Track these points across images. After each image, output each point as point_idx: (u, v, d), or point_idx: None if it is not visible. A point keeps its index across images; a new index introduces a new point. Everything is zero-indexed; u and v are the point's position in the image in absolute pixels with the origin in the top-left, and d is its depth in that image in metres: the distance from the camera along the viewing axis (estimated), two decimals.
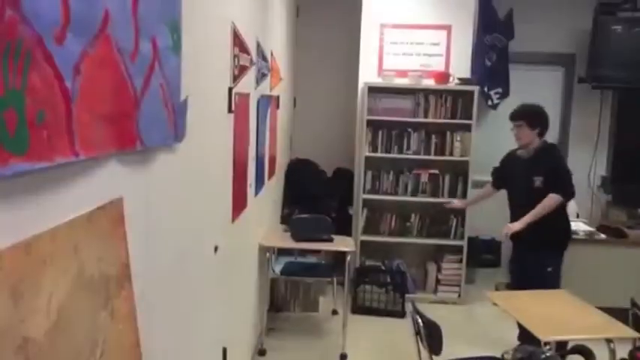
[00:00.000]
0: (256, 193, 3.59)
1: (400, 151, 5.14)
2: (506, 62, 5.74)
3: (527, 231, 3.64)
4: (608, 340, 2.79)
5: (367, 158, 5.14)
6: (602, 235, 4.69)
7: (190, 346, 2.12)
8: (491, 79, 5.66)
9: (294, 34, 5.73)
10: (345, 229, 5.11)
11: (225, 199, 2.70)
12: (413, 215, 5.27)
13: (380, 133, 5.15)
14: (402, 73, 5.17)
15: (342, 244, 4.20)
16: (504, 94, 5.77)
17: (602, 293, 4.15)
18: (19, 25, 0.86)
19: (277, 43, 4.44)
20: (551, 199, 3.60)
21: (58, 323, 1.04)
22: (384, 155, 5.15)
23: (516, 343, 3.63)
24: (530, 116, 3.76)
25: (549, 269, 3.63)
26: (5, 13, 0.82)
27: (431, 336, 2.78)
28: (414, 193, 5.20)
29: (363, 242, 5.16)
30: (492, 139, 5.97)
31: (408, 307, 4.28)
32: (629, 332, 2.82)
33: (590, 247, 4.60)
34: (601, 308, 3.05)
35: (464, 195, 5.08)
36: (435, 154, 5.13)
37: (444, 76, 5.09)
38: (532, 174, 3.68)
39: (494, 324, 4.29)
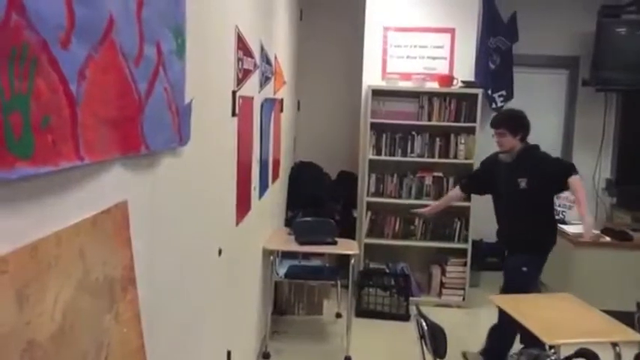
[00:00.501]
0: (260, 196, 3.59)
1: (404, 154, 5.14)
2: (510, 65, 5.74)
3: (515, 233, 3.68)
4: (614, 344, 2.78)
5: (371, 161, 5.14)
6: (607, 238, 4.67)
7: (194, 349, 2.12)
8: (495, 81, 5.65)
9: (298, 38, 5.74)
10: (349, 232, 5.11)
11: (230, 202, 2.70)
12: (417, 218, 5.26)
13: (384, 136, 5.15)
14: (406, 76, 5.17)
15: (346, 247, 4.20)
16: (508, 97, 5.77)
17: (607, 296, 4.14)
18: (24, 30, 0.87)
19: (281, 47, 4.45)
20: (577, 182, 3.55)
21: (63, 327, 1.04)
22: (387, 158, 5.15)
23: (520, 346, 3.62)
24: (512, 124, 3.70)
25: (524, 269, 3.61)
26: (11, 18, 0.83)
27: (435, 339, 2.77)
28: (418, 196, 5.19)
29: (367, 245, 5.16)
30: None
31: (412, 310, 4.28)
32: (634, 336, 2.81)
33: (594, 250, 4.59)
34: (606, 311, 3.04)
35: (468, 198, 5.06)
36: (439, 157, 5.13)
37: (447, 79, 5.09)
38: (516, 176, 3.64)
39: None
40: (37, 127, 0.92)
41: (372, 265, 5.22)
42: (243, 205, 2.97)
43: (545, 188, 3.64)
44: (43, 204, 1.00)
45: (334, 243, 4.20)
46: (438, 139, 5.14)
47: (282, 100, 4.54)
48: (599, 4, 5.51)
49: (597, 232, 4.77)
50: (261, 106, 3.46)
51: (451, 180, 5.16)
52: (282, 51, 4.49)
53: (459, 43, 5.19)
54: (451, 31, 5.19)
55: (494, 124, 3.75)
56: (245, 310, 3.37)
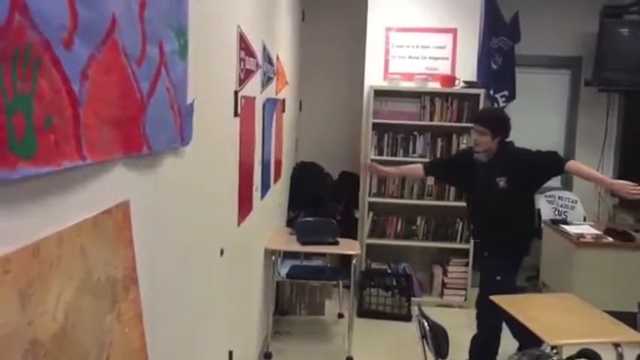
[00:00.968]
0: (262, 196, 3.59)
1: (406, 154, 5.14)
2: (512, 65, 5.72)
3: (494, 234, 3.56)
4: (616, 345, 2.78)
5: (373, 161, 5.14)
6: (609, 239, 4.66)
7: (196, 349, 2.13)
8: (497, 82, 5.64)
9: (300, 38, 5.74)
10: (351, 232, 5.11)
11: (231, 202, 2.70)
12: (419, 218, 5.26)
13: (386, 136, 5.16)
14: (408, 77, 5.17)
15: (348, 247, 4.20)
16: (510, 98, 5.75)
17: (609, 297, 4.13)
18: (27, 30, 0.87)
19: (283, 47, 4.45)
20: (575, 164, 3.52)
21: (65, 326, 1.04)
22: (389, 158, 5.15)
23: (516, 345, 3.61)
24: (497, 125, 3.51)
25: (498, 278, 3.49)
26: (14, 18, 0.83)
27: (437, 339, 2.77)
28: (420, 197, 5.19)
29: (368, 245, 5.16)
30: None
31: (414, 310, 4.27)
32: (636, 336, 2.80)
33: (596, 251, 4.58)
34: (608, 312, 3.03)
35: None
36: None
37: (449, 80, 5.09)
38: (495, 175, 3.46)
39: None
40: (40, 127, 0.92)
41: (373, 266, 5.22)
42: (245, 206, 2.97)
43: (526, 185, 3.50)
44: (46, 204, 1.01)
45: (336, 243, 4.20)
46: (439, 140, 5.14)
47: (284, 100, 4.54)
48: (601, 5, 5.50)
49: (599, 232, 4.77)
50: (263, 106, 3.47)
51: None
52: (284, 51, 4.49)
53: (461, 43, 5.19)
54: (453, 32, 5.19)
55: (478, 121, 3.58)
56: (247, 311, 3.37)
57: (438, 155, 5.13)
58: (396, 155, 5.15)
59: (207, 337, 2.31)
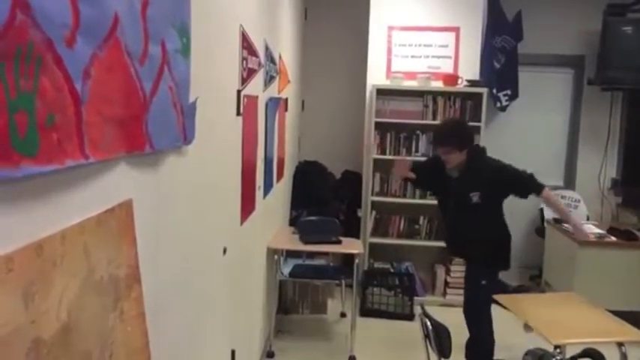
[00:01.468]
0: (265, 195, 3.59)
1: (409, 153, 5.13)
2: (515, 64, 5.72)
3: (468, 246, 3.50)
4: (619, 344, 2.77)
5: (375, 160, 5.14)
6: (613, 238, 4.65)
7: (199, 348, 2.13)
8: (500, 81, 5.64)
9: (302, 37, 5.74)
10: (354, 231, 5.11)
11: (234, 201, 2.70)
12: (421, 218, 5.26)
13: (388, 135, 5.15)
14: (411, 75, 5.16)
15: (351, 246, 4.20)
16: (513, 96, 5.75)
17: (613, 296, 4.13)
18: (30, 28, 0.87)
19: (285, 46, 4.45)
20: (549, 194, 3.38)
21: (68, 325, 1.04)
22: (392, 157, 5.13)
23: (526, 347, 3.60)
24: (457, 139, 3.38)
25: (483, 282, 3.44)
26: (16, 17, 0.83)
27: (440, 339, 2.77)
28: (423, 196, 5.18)
29: (371, 245, 5.16)
30: (501, 141, 5.96)
31: (417, 309, 4.27)
32: None
33: (600, 250, 4.57)
34: (611, 311, 3.03)
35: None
36: None
37: (452, 78, 5.08)
38: (467, 190, 3.37)
39: (504, 327, 4.26)
40: (43, 125, 0.92)
41: (376, 265, 5.21)
42: (247, 205, 2.97)
43: (498, 199, 3.43)
44: (48, 202, 1.01)
45: (338, 242, 4.20)
46: None
47: (286, 99, 4.54)
48: (604, 3, 5.48)
49: (603, 231, 4.76)
50: (266, 105, 3.47)
51: None
52: (286, 50, 4.49)
53: (464, 42, 5.18)
54: (456, 30, 5.18)
55: (439, 142, 3.46)
56: (249, 309, 3.37)
57: None
58: (398, 154, 5.14)
59: (209, 335, 2.31)
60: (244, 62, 2.71)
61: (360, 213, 5.41)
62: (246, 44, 2.75)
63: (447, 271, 5.19)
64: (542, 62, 5.96)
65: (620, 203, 5.96)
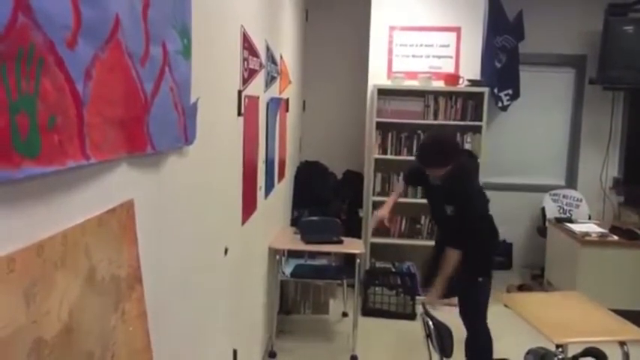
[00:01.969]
0: (266, 195, 3.60)
1: (410, 153, 5.13)
2: (516, 64, 5.72)
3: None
4: (622, 343, 2.77)
5: (377, 160, 5.14)
6: (614, 237, 4.65)
7: (201, 348, 2.13)
8: (501, 80, 5.64)
9: (304, 38, 5.74)
10: (355, 231, 5.11)
11: (235, 201, 2.71)
12: (423, 217, 5.26)
13: (389, 135, 5.15)
14: (412, 75, 5.16)
15: (352, 246, 4.20)
16: (514, 96, 5.75)
17: (615, 295, 4.13)
18: (31, 30, 0.87)
19: (286, 47, 4.45)
20: (449, 258, 3.29)
21: (70, 325, 1.04)
22: (393, 157, 5.15)
23: (527, 346, 3.60)
24: (441, 159, 3.29)
25: (480, 279, 3.40)
26: (18, 19, 0.83)
27: (442, 338, 2.77)
28: (424, 196, 5.17)
29: (373, 244, 5.16)
30: (503, 141, 5.98)
31: (419, 309, 4.27)
32: None
33: (602, 249, 4.57)
34: (614, 310, 3.02)
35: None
36: None
37: (453, 78, 5.08)
38: (444, 201, 3.38)
39: (506, 326, 4.27)
40: (44, 126, 0.92)
41: (378, 264, 5.22)
42: (249, 205, 2.97)
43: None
44: (50, 203, 1.01)
45: (340, 242, 4.20)
46: None
47: (287, 99, 4.54)
48: (606, 3, 5.48)
49: (605, 230, 4.75)
50: (267, 105, 3.47)
51: None
52: (287, 51, 4.49)
53: (465, 41, 5.18)
54: (457, 30, 5.18)
55: (425, 164, 3.37)
56: (251, 310, 3.38)
57: None
58: (399, 154, 5.15)
59: (211, 335, 2.31)
60: (245, 63, 2.71)
61: (361, 213, 5.41)
62: (247, 45, 2.75)
63: None
64: (543, 62, 5.96)
65: (621, 202, 5.96)
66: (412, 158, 5.07)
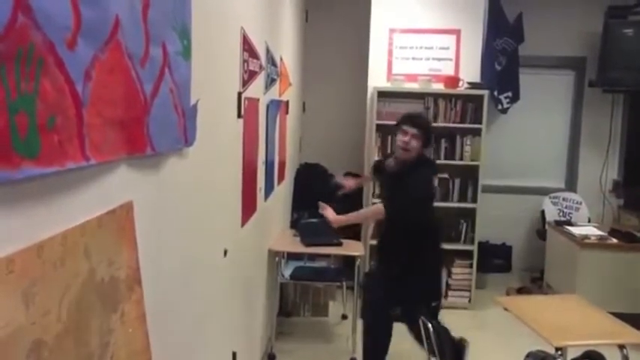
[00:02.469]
0: (266, 197, 3.59)
1: None
2: (516, 66, 5.72)
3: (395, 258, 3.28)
4: (621, 346, 2.77)
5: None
6: (614, 240, 4.65)
7: (200, 350, 2.13)
8: (501, 83, 5.64)
9: (304, 40, 5.74)
10: (355, 233, 5.10)
11: (235, 203, 2.70)
12: None
13: (389, 137, 5.14)
14: (412, 78, 5.17)
15: (352, 248, 4.19)
16: (514, 99, 5.76)
17: (614, 298, 4.12)
18: (31, 30, 0.87)
19: (286, 49, 4.45)
20: (374, 208, 3.14)
21: (69, 326, 1.04)
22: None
23: (527, 349, 3.60)
24: (429, 134, 3.25)
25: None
26: (18, 19, 0.83)
27: (441, 341, 2.77)
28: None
29: (372, 247, 5.14)
30: (502, 144, 5.98)
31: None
32: None
33: (601, 252, 4.56)
34: (613, 313, 3.02)
35: (474, 200, 5.07)
36: (445, 159, 5.12)
37: (453, 81, 5.08)
38: (395, 189, 3.22)
39: (505, 329, 4.26)
40: (43, 127, 0.92)
41: None
42: (248, 207, 2.97)
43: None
44: (49, 204, 1.01)
45: (339, 244, 4.19)
46: (443, 141, 5.13)
47: (287, 101, 4.54)
48: (605, 5, 5.49)
49: (604, 233, 4.75)
50: (267, 107, 3.47)
51: (457, 181, 5.15)
52: (287, 53, 4.50)
53: (465, 44, 5.18)
54: (457, 33, 5.18)
55: (415, 123, 3.22)
56: (250, 312, 3.37)
57: (442, 156, 5.12)
58: None
59: (210, 337, 2.31)
60: (245, 64, 2.71)
61: None
62: (247, 46, 2.76)
63: (449, 274, 5.18)
64: (543, 64, 5.97)
65: (621, 205, 5.96)
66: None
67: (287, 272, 4.31)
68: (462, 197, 5.14)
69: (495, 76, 5.52)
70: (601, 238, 4.66)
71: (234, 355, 2.74)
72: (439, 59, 5.21)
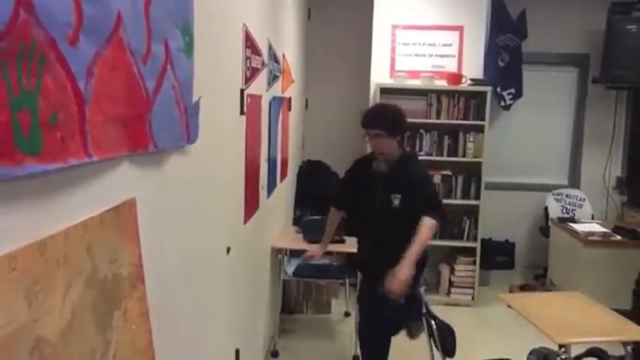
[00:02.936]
0: (268, 194, 3.59)
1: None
2: (519, 63, 5.71)
3: (383, 262, 2.88)
4: (624, 343, 2.76)
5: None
6: (618, 237, 4.64)
7: (203, 347, 2.13)
8: (504, 79, 5.63)
9: (306, 36, 5.73)
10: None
11: (238, 200, 2.70)
12: None
13: None
14: (414, 74, 5.16)
15: (355, 245, 4.18)
16: (517, 95, 5.74)
17: (618, 295, 4.11)
18: (32, 27, 0.87)
19: (289, 45, 4.44)
20: (428, 227, 2.80)
21: (72, 323, 1.04)
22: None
23: (530, 346, 3.59)
24: (389, 122, 2.96)
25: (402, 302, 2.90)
26: (19, 15, 0.83)
27: (444, 338, 2.76)
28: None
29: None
30: (505, 140, 5.96)
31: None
32: None
33: (605, 249, 4.56)
34: (617, 310, 3.01)
35: (477, 197, 5.06)
36: (448, 155, 5.11)
37: (456, 77, 5.07)
38: (390, 191, 2.95)
39: (508, 326, 4.26)
40: (46, 124, 0.92)
41: None
42: (251, 204, 2.97)
43: (414, 209, 2.91)
44: (52, 201, 1.01)
45: (342, 241, 4.19)
46: (446, 137, 5.12)
47: (290, 98, 4.53)
48: (609, 1, 5.46)
49: (608, 230, 4.74)
50: (269, 104, 3.47)
51: (460, 178, 5.15)
52: (290, 50, 4.49)
53: (468, 40, 5.17)
54: (460, 29, 5.17)
55: (368, 123, 2.99)
56: (253, 309, 3.37)
57: (445, 153, 5.11)
58: None
59: (213, 334, 2.31)
60: (248, 61, 2.71)
61: None
62: (250, 43, 2.75)
63: (452, 271, 5.18)
64: (546, 61, 5.95)
65: (625, 202, 5.94)
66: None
67: (290, 269, 4.31)
68: (465, 194, 5.13)
69: (498, 73, 5.51)
70: (604, 234, 4.65)
71: (237, 352, 2.75)
72: (442, 56, 5.20)
